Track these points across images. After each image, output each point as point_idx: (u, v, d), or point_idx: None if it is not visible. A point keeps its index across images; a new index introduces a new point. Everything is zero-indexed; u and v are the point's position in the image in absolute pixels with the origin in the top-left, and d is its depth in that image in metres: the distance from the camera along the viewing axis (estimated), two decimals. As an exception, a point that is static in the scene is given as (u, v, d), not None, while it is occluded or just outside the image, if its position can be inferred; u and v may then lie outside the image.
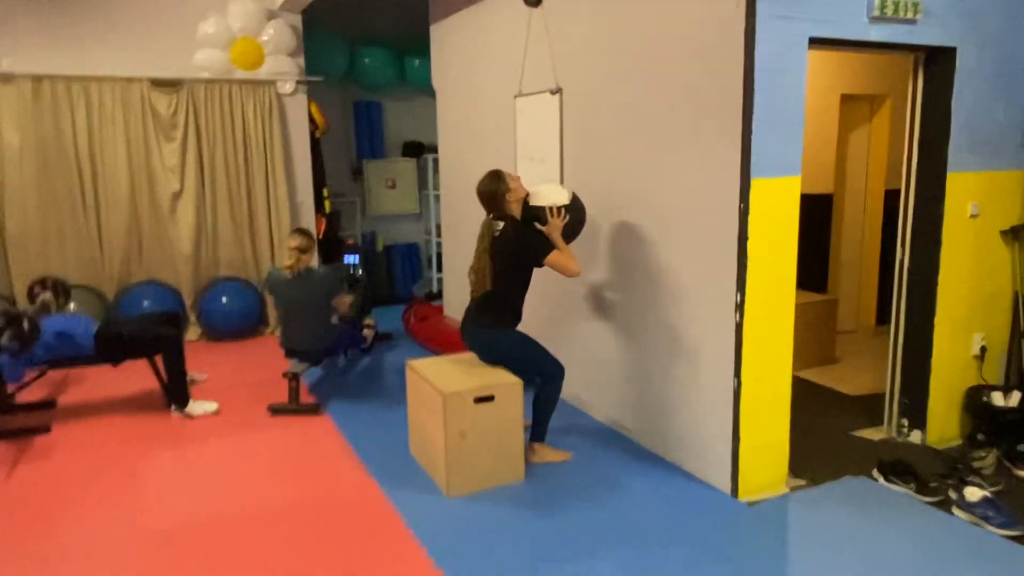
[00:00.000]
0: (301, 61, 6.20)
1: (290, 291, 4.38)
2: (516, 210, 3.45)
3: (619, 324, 3.84)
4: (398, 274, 7.75)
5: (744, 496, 3.14)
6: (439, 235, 7.66)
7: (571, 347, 4.26)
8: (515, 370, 3.43)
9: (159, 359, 4.28)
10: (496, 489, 3.28)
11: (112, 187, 5.65)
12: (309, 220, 6.38)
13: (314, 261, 4.56)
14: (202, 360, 5.47)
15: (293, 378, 4.29)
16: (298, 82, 6.16)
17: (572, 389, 4.31)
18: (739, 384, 3.06)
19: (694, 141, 3.18)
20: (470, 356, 3.71)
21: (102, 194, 5.64)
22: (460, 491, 3.23)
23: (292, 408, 4.29)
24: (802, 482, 3.30)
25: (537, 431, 3.53)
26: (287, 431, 4.06)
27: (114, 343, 4.19)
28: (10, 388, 4.20)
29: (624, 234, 3.72)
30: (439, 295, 7.63)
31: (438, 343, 5.40)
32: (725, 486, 3.18)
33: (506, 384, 3.28)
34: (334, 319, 4.61)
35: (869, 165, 5.81)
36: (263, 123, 6.00)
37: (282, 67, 6.03)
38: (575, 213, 3.44)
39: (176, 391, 4.27)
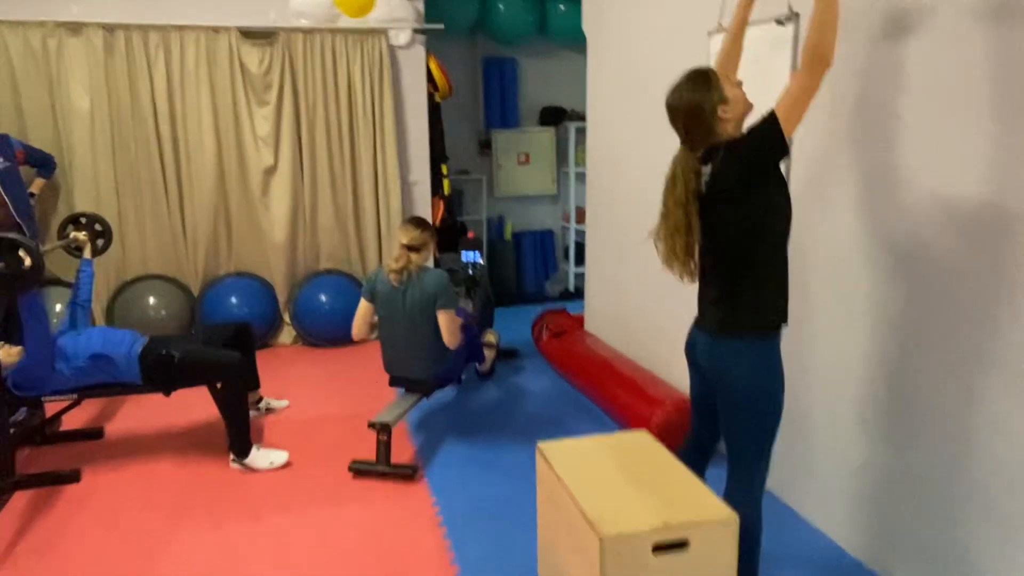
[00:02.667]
0: (420, 5, 5.00)
1: (394, 301, 3.29)
2: (734, 134, 2.01)
3: (880, 404, 2.34)
4: (528, 267, 6.49)
5: None
6: (579, 221, 6.32)
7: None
8: (736, 432, 2.06)
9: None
10: None
11: (196, 160, 4.73)
12: (424, 203, 5.23)
13: (429, 259, 3.40)
14: (290, 374, 4.48)
15: (383, 430, 3.13)
16: (415, 31, 4.97)
17: (781, 476, 2.85)
18: None
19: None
20: (640, 439, 2.36)
21: (184, 169, 4.75)
22: None
23: (380, 470, 3.14)
24: None
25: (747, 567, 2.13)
26: (369, 508, 2.91)
27: (162, 369, 3.20)
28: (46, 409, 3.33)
29: (918, 263, 2.21)
30: (576, 294, 6.32)
31: (577, 373, 4.08)
32: None
33: (709, 521, 1.90)
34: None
35: None
36: (371, 83, 4.88)
37: (396, 12, 4.86)
38: None
39: (235, 435, 3.24)
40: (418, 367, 3.37)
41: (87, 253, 3.57)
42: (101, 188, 4.58)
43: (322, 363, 4.75)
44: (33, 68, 4.36)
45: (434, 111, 5.21)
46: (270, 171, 4.86)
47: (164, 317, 4.75)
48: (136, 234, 4.74)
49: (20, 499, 3.02)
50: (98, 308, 4.71)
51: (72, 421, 3.73)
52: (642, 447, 2.30)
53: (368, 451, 3.27)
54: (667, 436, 3.07)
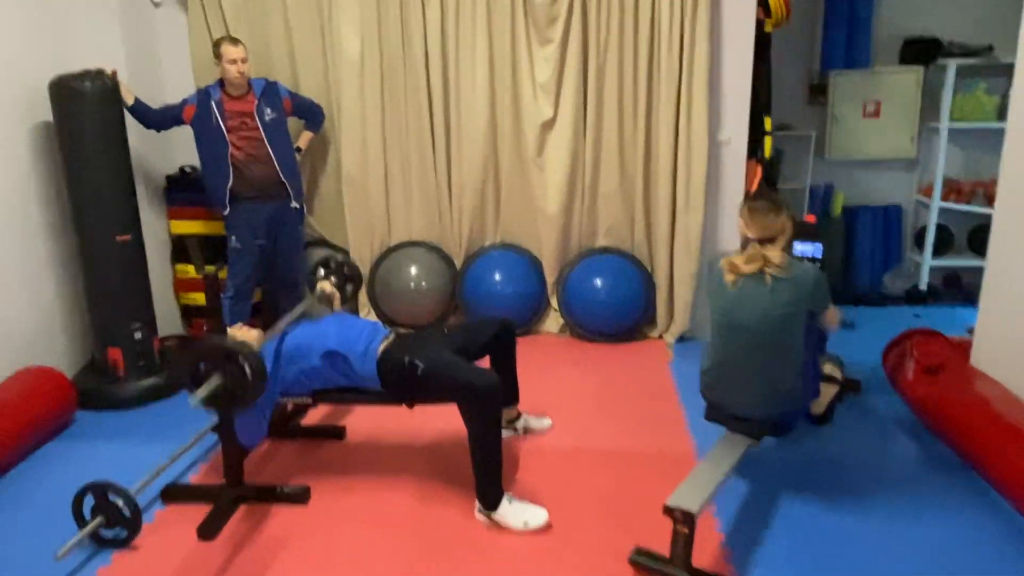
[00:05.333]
0: (755, -100, 3.70)
1: (735, 309, 2.44)
2: None
3: None
4: (861, 254, 4.94)
5: None
6: (947, 197, 4.63)
7: None
8: None
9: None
10: None
11: (467, 113, 4.02)
12: (737, 168, 4.00)
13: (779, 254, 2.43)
14: (553, 376, 3.67)
15: (683, 519, 2.11)
16: (747, -64, 3.70)
17: None
18: None
19: None
20: None
21: (454, 123, 4.07)
22: None
23: (673, 573, 2.15)
24: None
25: None
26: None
27: (403, 379, 2.54)
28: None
29: None
30: (929, 296, 4.69)
31: (975, 443, 2.67)
32: None
33: None
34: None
35: None
36: (682, 7, 3.72)
37: (723, -90, 3.63)
38: None
39: (483, 480, 2.46)
40: (754, 402, 2.48)
41: (336, 305, 3.09)
42: (368, 145, 4.08)
43: (594, 364, 3.86)
44: (305, 6, 3.93)
45: (761, 46, 3.90)
46: (548, 126, 4.00)
47: (424, 290, 4.22)
48: (402, 197, 4.22)
49: (242, 514, 2.57)
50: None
51: (314, 414, 3.30)
52: None
53: (656, 527, 2.29)
54: None
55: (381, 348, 2.61)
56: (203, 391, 2.15)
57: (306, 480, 2.74)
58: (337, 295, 3.09)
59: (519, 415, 3.09)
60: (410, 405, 2.65)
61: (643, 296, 4.12)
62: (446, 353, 2.60)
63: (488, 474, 2.45)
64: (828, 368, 3.11)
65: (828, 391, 3.03)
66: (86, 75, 3.25)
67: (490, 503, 2.46)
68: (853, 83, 4.70)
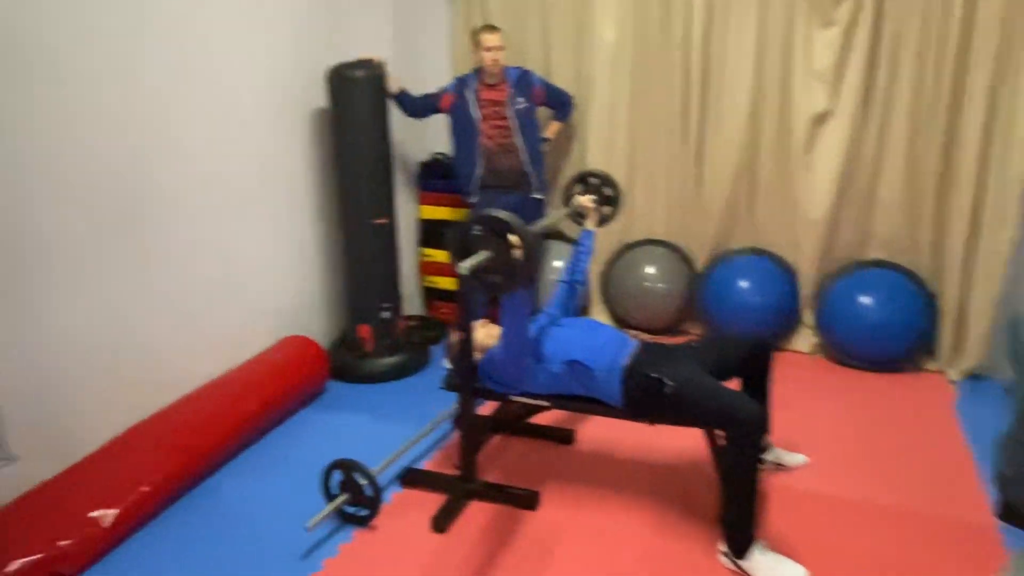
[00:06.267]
0: None
1: None
2: None
3: None
4: None
5: None
6: None
7: None
8: None
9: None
10: None
11: (726, 102, 3.67)
12: (1067, 176, 3.23)
13: None
14: (806, 404, 3.23)
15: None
16: None
17: None
18: None
19: None
20: None
21: (712, 112, 3.74)
22: None
23: None
24: None
25: None
26: None
27: (648, 395, 2.32)
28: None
29: None
30: None
31: None
32: None
33: None
34: None
35: None
36: (1015, -21, 3.06)
37: None
38: None
39: (732, 519, 2.18)
40: None
41: (590, 223, 2.90)
42: (616, 135, 3.90)
43: (855, 395, 3.36)
44: (565, -6, 3.84)
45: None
46: (821, 119, 3.53)
47: (660, 291, 3.95)
48: (645, 191, 3.99)
49: (471, 509, 2.53)
50: (595, 269, 4.16)
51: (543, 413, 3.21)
52: None
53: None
54: None
55: (626, 362, 2.41)
56: (470, 261, 2.01)
57: (532, 483, 2.65)
58: (593, 213, 2.92)
59: (769, 446, 2.74)
60: (650, 423, 2.43)
61: (922, 321, 3.50)
62: (698, 372, 2.33)
63: (739, 516, 2.16)
64: None
65: None
66: (359, 64, 3.42)
67: (738, 548, 2.17)
68: None
